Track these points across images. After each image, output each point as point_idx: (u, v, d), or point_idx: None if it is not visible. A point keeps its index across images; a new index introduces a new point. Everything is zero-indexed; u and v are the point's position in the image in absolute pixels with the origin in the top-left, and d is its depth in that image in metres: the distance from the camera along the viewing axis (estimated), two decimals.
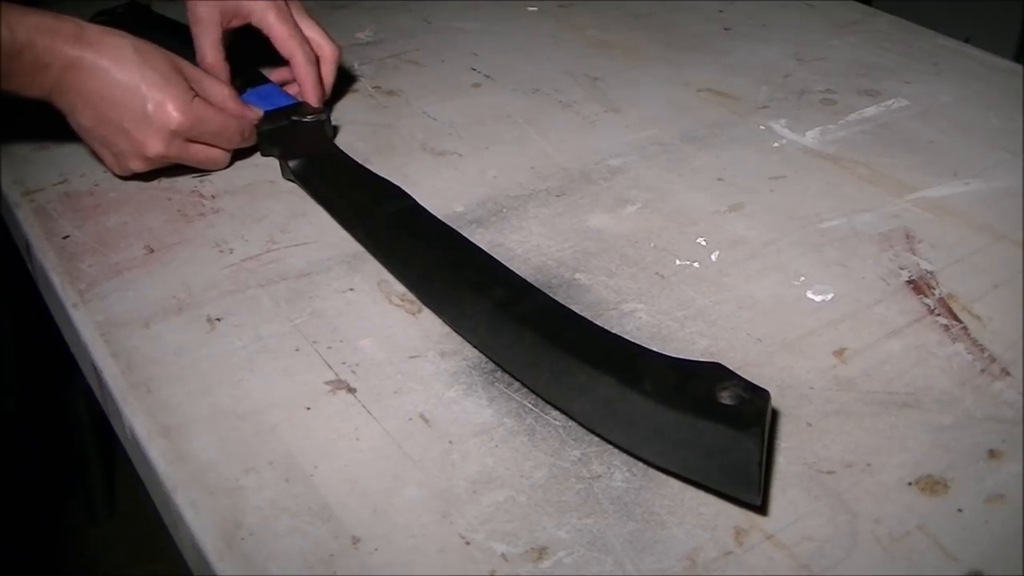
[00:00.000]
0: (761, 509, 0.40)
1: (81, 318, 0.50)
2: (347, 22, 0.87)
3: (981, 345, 0.49)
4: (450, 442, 0.43)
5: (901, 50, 0.83)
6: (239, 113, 0.62)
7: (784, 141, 0.68)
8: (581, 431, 0.44)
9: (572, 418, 0.44)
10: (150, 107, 0.56)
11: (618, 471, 0.42)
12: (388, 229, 0.55)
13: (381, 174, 0.60)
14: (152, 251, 0.55)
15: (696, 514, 0.40)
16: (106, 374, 0.47)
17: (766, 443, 0.38)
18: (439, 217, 0.56)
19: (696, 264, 0.55)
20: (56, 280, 0.53)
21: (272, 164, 0.64)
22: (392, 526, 0.39)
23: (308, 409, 0.45)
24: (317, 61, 0.68)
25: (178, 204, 0.60)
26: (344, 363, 0.47)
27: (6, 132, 0.66)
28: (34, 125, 0.64)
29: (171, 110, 0.57)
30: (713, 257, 0.56)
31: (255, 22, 0.66)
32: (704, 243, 0.57)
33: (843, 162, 0.66)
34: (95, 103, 0.56)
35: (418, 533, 0.39)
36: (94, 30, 0.56)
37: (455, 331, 0.49)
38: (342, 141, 0.67)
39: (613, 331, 0.46)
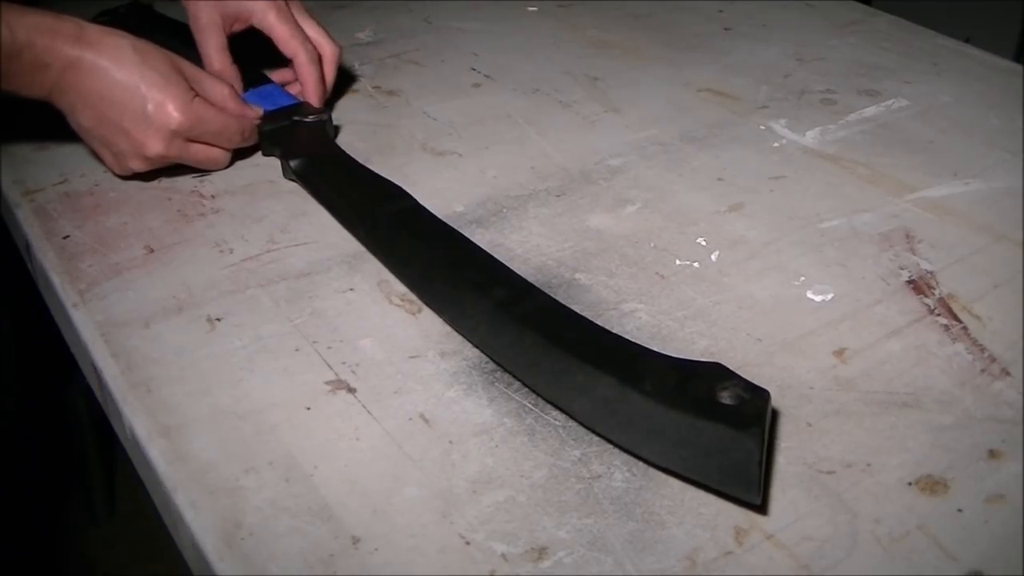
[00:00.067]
0: (761, 509, 0.40)
1: (81, 318, 0.50)
2: (347, 22, 0.87)
3: (981, 345, 0.49)
4: (450, 442, 0.43)
5: (901, 50, 0.83)
6: (239, 113, 0.62)
7: (784, 141, 0.68)
8: (581, 431, 0.44)
9: (572, 418, 0.44)
10: (150, 107, 0.56)
11: (618, 471, 0.42)
12: (389, 229, 0.55)
13: (381, 174, 0.60)
14: (152, 251, 0.55)
15: (696, 514, 0.40)
16: (106, 374, 0.47)
17: (766, 443, 0.38)
18: (439, 217, 0.56)
19: (696, 264, 0.55)
20: (56, 280, 0.53)
21: (272, 164, 0.64)
22: (392, 526, 0.39)
23: (308, 409, 0.45)
24: (319, 61, 0.68)
25: (178, 204, 0.60)
26: (344, 363, 0.47)
27: (6, 132, 0.65)
28: (34, 125, 0.64)
29: (171, 110, 0.57)
30: (713, 257, 0.56)
31: (256, 23, 0.66)
32: (704, 243, 0.57)
33: (843, 162, 0.66)
34: (95, 103, 0.56)
35: (418, 533, 0.39)
36: (94, 30, 0.56)
37: (455, 331, 0.49)
38: (342, 141, 0.67)
39: (613, 331, 0.46)
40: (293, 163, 0.62)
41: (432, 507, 0.40)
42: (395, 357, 0.48)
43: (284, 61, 0.68)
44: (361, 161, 0.63)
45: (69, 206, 0.59)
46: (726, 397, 0.39)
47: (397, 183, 0.59)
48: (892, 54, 0.82)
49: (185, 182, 0.62)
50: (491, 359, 0.48)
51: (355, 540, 0.38)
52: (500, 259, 0.52)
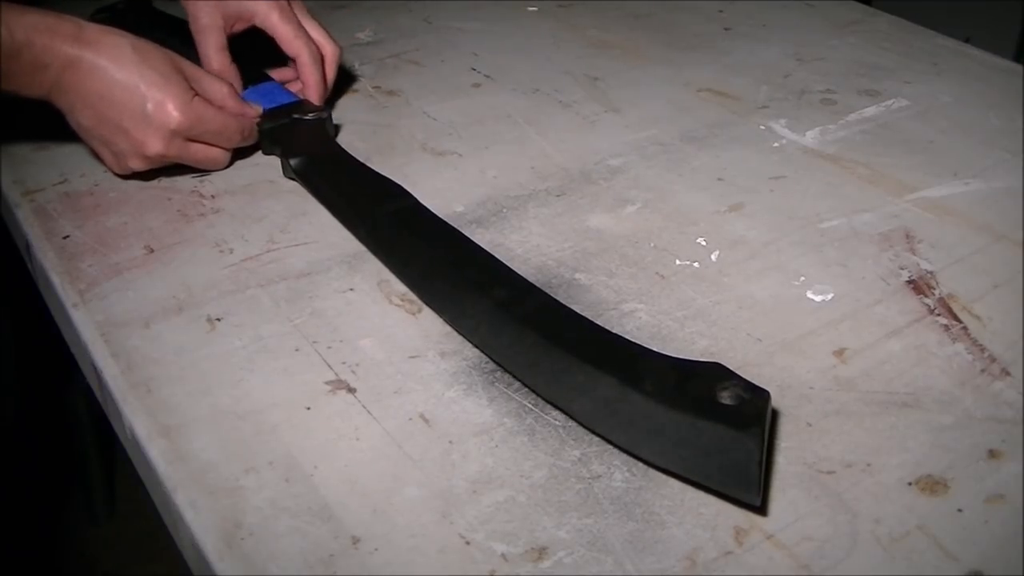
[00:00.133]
0: (761, 509, 0.40)
1: (81, 318, 0.50)
2: (347, 22, 0.87)
3: (981, 345, 0.49)
4: (450, 442, 0.43)
5: (901, 50, 0.83)
6: (239, 112, 0.62)
7: (784, 141, 0.68)
8: (581, 431, 0.44)
9: (572, 418, 0.44)
10: (150, 106, 0.56)
11: (618, 471, 0.42)
12: (389, 228, 0.55)
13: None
14: (152, 251, 0.55)
15: (696, 514, 0.40)
16: (106, 374, 0.47)
17: (766, 443, 0.38)
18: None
19: (696, 264, 0.55)
20: (56, 280, 0.53)
21: (272, 164, 0.64)
22: (392, 526, 0.39)
23: (308, 409, 0.45)
24: (322, 60, 0.68)
25: (178, 204, 0.60)
26: (344, 363, 0.47)
27: (6, 132, 0.65)
28: (34, 125, 0.64)
29: (171, 109, 0.57)
30: (713, 257, 0.56)
31: (259, 23, 0.66)
32: (704, 243, 0.57)
33: (843, 162, 0.66)
34: (94, 102, 0.56)
35: (418, 533, 0.39)
36: (93, 29, 0.56)
37: (456, 330, 0.49)
38: (342, 141, 0.67)
39: (613, 331, 0.46)
40: (293, 161, 0.62)
41: (432, 507, 0.40)
42: (395, 357, 0.48)
43: (283, 60, 0.68)
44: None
45: (69, 206, 0.59)
46: (726, 397, 0.39)
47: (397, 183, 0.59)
48: (892, 54, 0.82)
49: (185, 182, 0.62)
50: (491, 359, 0.48)
51: (355, 540, 0.38)
52: (500, 259, 0.52)
